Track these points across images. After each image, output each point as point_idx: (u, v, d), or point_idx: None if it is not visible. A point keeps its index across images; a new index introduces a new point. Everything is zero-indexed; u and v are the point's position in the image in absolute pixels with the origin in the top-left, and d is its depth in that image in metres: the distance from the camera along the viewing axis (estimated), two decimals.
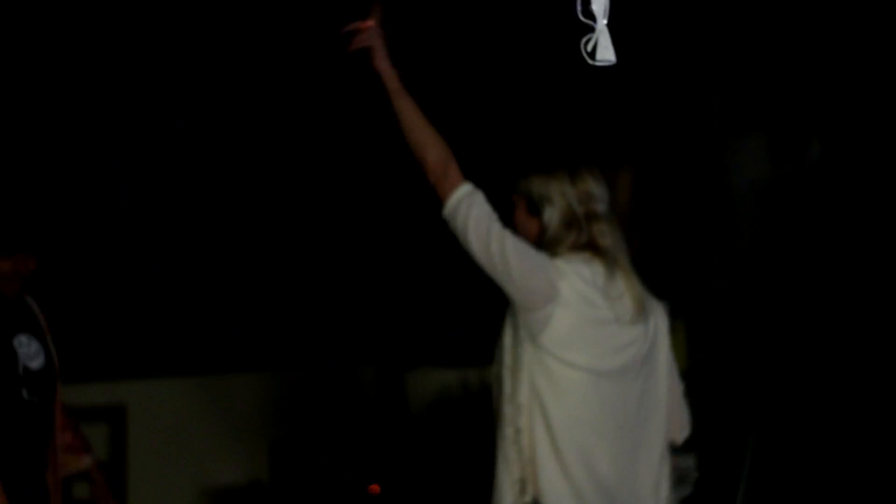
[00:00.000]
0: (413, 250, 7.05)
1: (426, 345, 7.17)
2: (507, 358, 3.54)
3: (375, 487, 6.58)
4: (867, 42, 6.41)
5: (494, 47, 6.83)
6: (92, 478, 4.56)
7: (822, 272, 6.62)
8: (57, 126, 6.53)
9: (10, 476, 4.14)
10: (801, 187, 6.81)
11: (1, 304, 4.20)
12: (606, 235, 3.55)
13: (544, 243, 3.55)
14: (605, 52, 3.13)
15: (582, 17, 3.07)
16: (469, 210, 3.43)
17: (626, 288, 3.54)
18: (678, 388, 3.73)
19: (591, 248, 3.54)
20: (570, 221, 3.55)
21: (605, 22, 3.12)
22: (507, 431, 3.51)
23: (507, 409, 3.51)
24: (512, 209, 3.63)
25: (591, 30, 3.12)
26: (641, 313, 3.55)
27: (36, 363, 4.25)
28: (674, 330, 6.80)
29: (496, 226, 3.44)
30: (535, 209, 3.58)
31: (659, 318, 3.64)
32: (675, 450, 3.81)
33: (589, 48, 3.18)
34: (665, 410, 3.62)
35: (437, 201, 3.50)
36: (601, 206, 3.57)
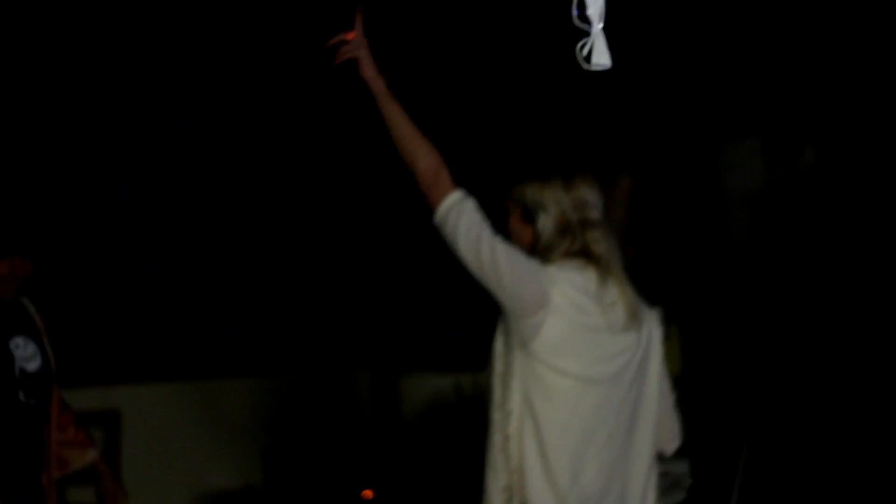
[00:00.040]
0: (407, 255, 7.05)
1: (420, 350, 7.17)
2: (498, 365, 3.53)
3: (369, 492, 6.58)
4: (862, 47, 6.42)
5: (491, 53, 6.83)
6: (98, 471, 4.57)
7: (816, 277, 6.62)
8: (57, 126, 6.54)
9: (6, 477, 4.14)
10: (796, 192, 6.82)
11: None
12: (600, 242, 3.54)
13: (538, 250, 3.54)
14: (601, 57, 3.14)
15: (577, 23, 3.07)
16: (459, 217, 3.42)
17: (618, 295, 3.53)
18: (669, 397, 3.72)
19: (585, 255, 3.53)
20: (565, 228, 3.54)
21: (600, 27, 3.13)
22: (496, 438, 3.50)
23: (497, 416, 3.50)
24: (506, 216, 3.62)
25: (587, 35, 3.12)
26: (634, 321, 3.54)
27: (32, 365, 4.25)
28: (668, 335, 6.81)
29: (487, 232, 3.43)
30: (530, 216, 3.57)
31: (652, 327, 3.63)
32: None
33: (584, 53, 3.18)
34: (655, 420, 3.61)
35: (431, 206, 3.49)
36: (595, 214, 3.56)
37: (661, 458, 3.69)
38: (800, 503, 6.35)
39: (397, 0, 6.25)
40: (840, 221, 6.56)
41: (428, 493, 6.60)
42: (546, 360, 3.44)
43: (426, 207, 3.50)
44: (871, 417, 6.32)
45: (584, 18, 3.08)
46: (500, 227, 3.54)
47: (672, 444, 3.74)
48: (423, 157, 3.48)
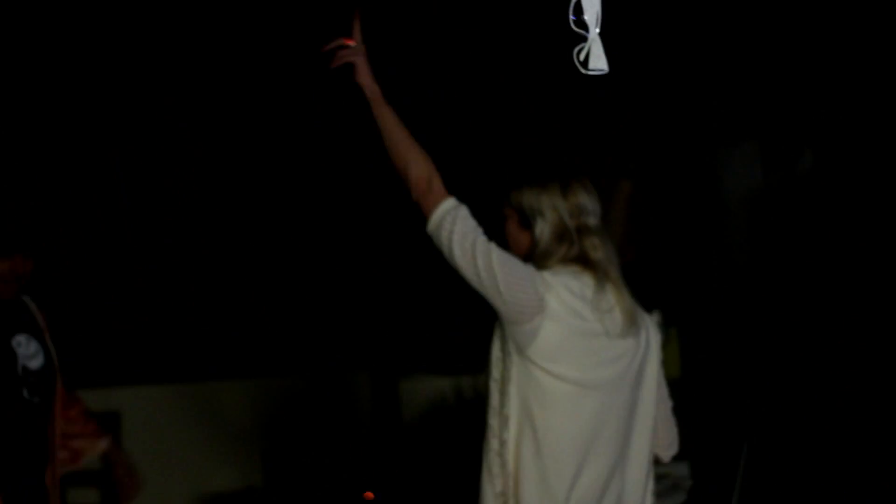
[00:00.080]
0: (407, 257, 7.05)
1: (420, 351, 7.17)
2: (495, 370, 3.52)
3: (369, 494, 6.58)
4: (859, 50, 6.42)
5: (489, 57, 6.84)
6: (112, 460, 4.58)
7: (814, 280, 6.62)
8: (57, 126, 6.54)
9: (10, 476, 4.16)
10: (794, 195, 6.82)
11: None
12: (598, 249, 3.53)
13: (536, 256, 3.54)
14: (598, 62, 3.14)
15: (574, 27, 3.08)
16: (454, 225, 3.42)
17: (616, 301, 3.52)
18: (667, 404, 3.72)
19: (582, 261, 3.52)
20: (562, 235, 3.53)
21: (597, 31, 3.14)
22: (493, 444, 3.50)
23: (494, 422, 3.50)
24: (503, 221, 3.63)
25: (584, 39, 3.13)
26: (632, 327, 3.54)
27: (35, 363, 4.26)
28: (667, 338, 6.82)
29: (481, 239, 3.43)
30: (527, 222, 3.57)
31: (651, 332, 3.63)
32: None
33: (581, 57, 3.19)
34: (653, 425, 3.61)
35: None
36: (593, 220, 3.55)
37: (657, 463, 3.69)
38: None
39: (394, 3, 6.25)
40: (838, 224, 6.56)
41: (428, 494, 6.60)
42: (543, 365, 3.44)
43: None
44: (871, 418, 6.33)
45: (581, 23, 3.08)
46: (496, 232, 3.55)
47: (669, 450, 3.74)
48: (415, 165, 3.48)
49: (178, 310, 6.85)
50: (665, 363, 3.74)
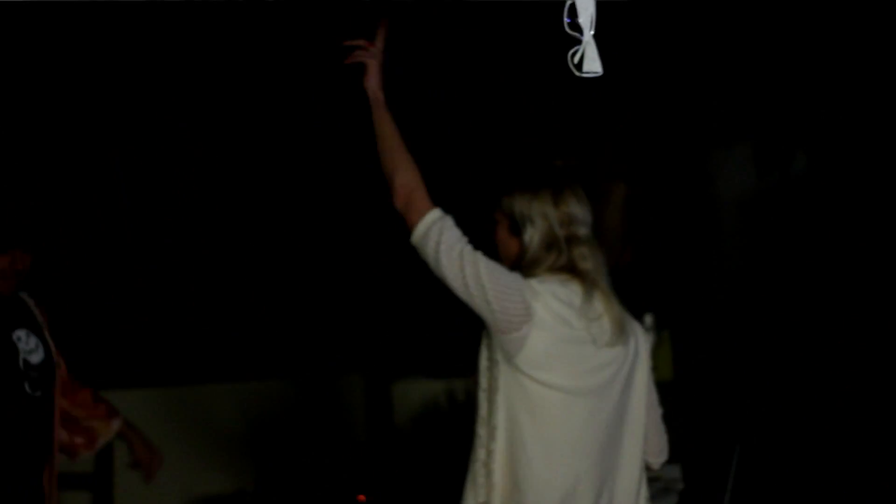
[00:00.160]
0: (400, 260, 7.05)
1: (413, 354, 7.17)
2: (483, 380, 3.51)
3: (362, 497, 6.58)
4: (852, 53, 6.43)
5: (484, 59, 6.84)
6: (128, 439, 4.59)
7: (807, 282, 6.63)
8: (57, 126, 6.54)
9: (8, 475, 4.16)
10: (787, 198, 6.83)
11: None
12: (587, 259, 3.51)
13: (524, 264, 3.53)
14: (592, 65, 3.15)
15: (568, 30, 3.08)
16: (440, 235, 3.41)
17: (604, 309, 3.50)
18: (657, 410, 3.71)
19: (570, 270, 3.51)
20: (551, 244, 3.51)
21: (591, 34, 3.14)
22: (480, 454, 3.48)
23: (482, 431, 3.49)
24: (493, 226, 3.62)
25: (578, 42, 3.14)
26: (621, 335, 3.52)
27: (36, 357, 4.27)
28: (660, 340, 6.83)
29: (468, 248, 3.42)
30: (517, 229, 3.55)
31: (639, 340, 3.62)
32: None
33: (576, 60, 3.19)
34: (643, 432, 3.60)
35: None
36: (583, 230, 3.53)
37: (648, 469, 3.69)
38: None
39: (392, 5, 6.25)
40: (831, 227, 6.57)
41: (421, 497, 6.61)
42: (531, 373, 3.43)
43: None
44: (863, 421, 6.34)
45: (576, 26, 3.09)
46: (484, 237, 3.54)
47: (659, 457, 3.73)
48: (402, 172, 3.49)
49: (170, 312, 6.85)
50: (658, 366, 3.75)
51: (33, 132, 6.46)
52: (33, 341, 4.29)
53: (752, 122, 6.89)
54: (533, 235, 3.52)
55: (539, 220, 3.52)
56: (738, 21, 6.48)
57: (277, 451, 6.90)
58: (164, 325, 6.80)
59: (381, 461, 6.96)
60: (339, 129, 6.81)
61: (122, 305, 6.70)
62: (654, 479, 5.17)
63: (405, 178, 3.48)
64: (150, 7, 6.34)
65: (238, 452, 6.88)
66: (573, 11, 3.08)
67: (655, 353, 6.42)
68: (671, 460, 3.85)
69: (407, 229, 3.50)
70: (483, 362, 3.53)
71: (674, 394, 3.79)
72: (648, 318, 6.40)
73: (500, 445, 3.46)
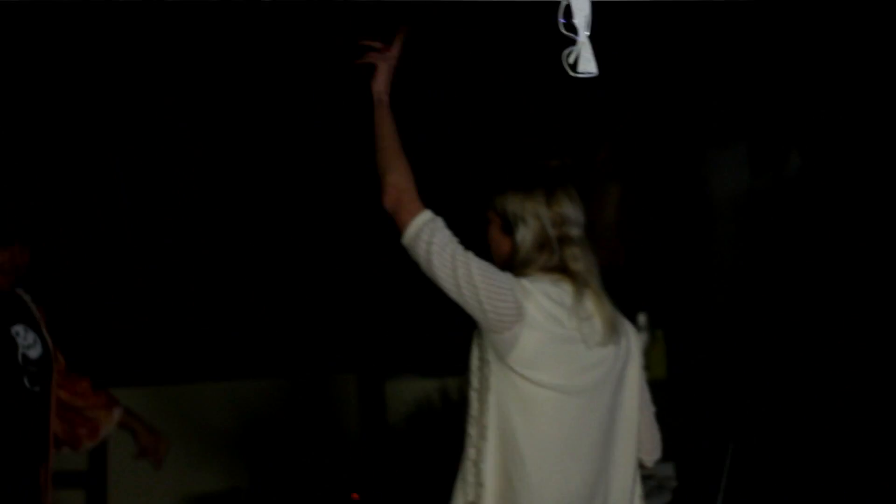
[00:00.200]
0: (393, 258, 7.04)
1: (407, 353, 7.17)
2: (474, 380, 3.52)
3: (355, 496, 6.59)
4: (847, 53, 6.44)
5: (479, 59, 6.84)
6: (131, 428, 4.59)
7: (801, 282, 6.64)
8: (57, 126, 6.54)
9: (9, 465, 4.16)
10: (781, 198, 6.84)
11: None
12: (578, 260, 3.52)
13: (515, 263, 3.53)
14: (587, 65, 3.15)
15: (563, 31, 3.09)
16: (432, 236, 3.42)
17: (595, 309, 3.51)
18: (650, 409, 3.71)
19: (562, 270, 3.52)
20: (543, 244, 3.52)
21: (587, 34, 3.15)
22: (470, 453, 3.49)
23: (472, 431, 3.49)
24: (486, 224, 3.63)
25: (573, 42, 3.14)
26: (612, 335, 3.53)
27: (34, 352, 4.29)
28: (653, 339, 6.84)
29: (459, 249, 3.43)
30: (509, 228, 3.56)
31: (631, 339, 3.62)
32: None
33: (571, 60, 3.20)
34: (636, 430, 3.61)
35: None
36: (575, 231, 3.54)
37: (641, 468, 3.69)
38: None
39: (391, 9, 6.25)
40: (826, 227, 6.58)
41: (414, 496, 6.61)
42: (523, 372, 3.44)
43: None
44: (856, 420, 6.35)
45: (571, 27, 3.09)
46: (476, 235, 3.55)
47: (652, 455, 3.74)
48: (395, 173, 3.50)
49: (165, 311, 6.85)
50: (651, 365, 3.76)
51: (33, 132, 6.46)
52: (31, 336, 4.30)
53: (747, 123, 6.89)
54: (525, 235, 3.53)
55: (531, 220, 3.53)
56: (733, 21, 6.49)
57: (271, 450, 6.90)
58: (159, 324, 6.80)
59: (375, 460, 6.96)
60: (335, 129, 6.82)
61: (118, 304, 6.70)
62: (647, 477, 5.18)
63: (397, 178, 3.49)
64: (151, 7, 6.34)
65: (232, 451, 6.88)
66: (567, 12, 3.09)
67: (649, 353, 6.45)
68: (665, 458, 3.86)
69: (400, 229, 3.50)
70: (474, 362, 3.53)
71: (667, 392, 3.79)
72: (642, 318, 6.41)
73: (491, 445, 3.46)
